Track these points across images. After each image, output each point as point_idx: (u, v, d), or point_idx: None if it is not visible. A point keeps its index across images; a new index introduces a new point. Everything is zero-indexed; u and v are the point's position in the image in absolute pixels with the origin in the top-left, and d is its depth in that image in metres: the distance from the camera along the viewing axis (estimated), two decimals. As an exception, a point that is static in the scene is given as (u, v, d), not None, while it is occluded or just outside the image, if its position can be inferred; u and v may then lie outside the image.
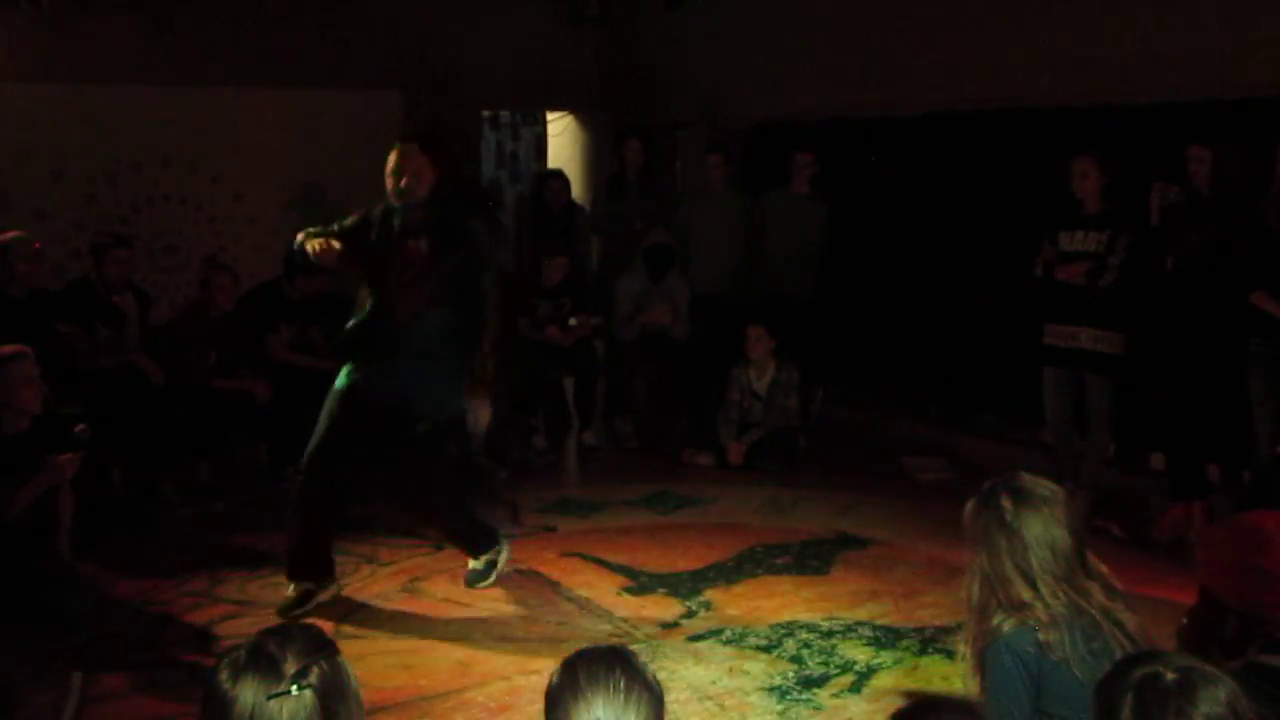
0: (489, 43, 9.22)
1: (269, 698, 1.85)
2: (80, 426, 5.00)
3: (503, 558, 5.33)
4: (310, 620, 4.72)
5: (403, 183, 4.91)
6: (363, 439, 4.94)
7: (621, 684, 1.94)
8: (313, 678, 1.88)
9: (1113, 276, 5.83)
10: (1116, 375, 6.00)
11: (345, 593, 5.22)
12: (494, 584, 5.26)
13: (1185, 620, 2.98)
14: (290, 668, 1.88)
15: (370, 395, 4.92)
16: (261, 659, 1.89)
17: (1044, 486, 2.79)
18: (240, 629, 4.77)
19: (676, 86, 9.27)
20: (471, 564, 5.34)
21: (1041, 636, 2.66)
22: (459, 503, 5.41)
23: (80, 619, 4.81)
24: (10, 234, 6.19)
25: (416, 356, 4.89)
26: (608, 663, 1.97)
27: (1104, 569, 2.80)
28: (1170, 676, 1.98)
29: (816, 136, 8.12)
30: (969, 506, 2.84)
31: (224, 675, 1.89)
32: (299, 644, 1.93)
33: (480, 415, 5.16)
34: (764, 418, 7.25)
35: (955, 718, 2.06)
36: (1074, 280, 5.93)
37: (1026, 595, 2.70)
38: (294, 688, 1.86)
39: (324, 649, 1.95)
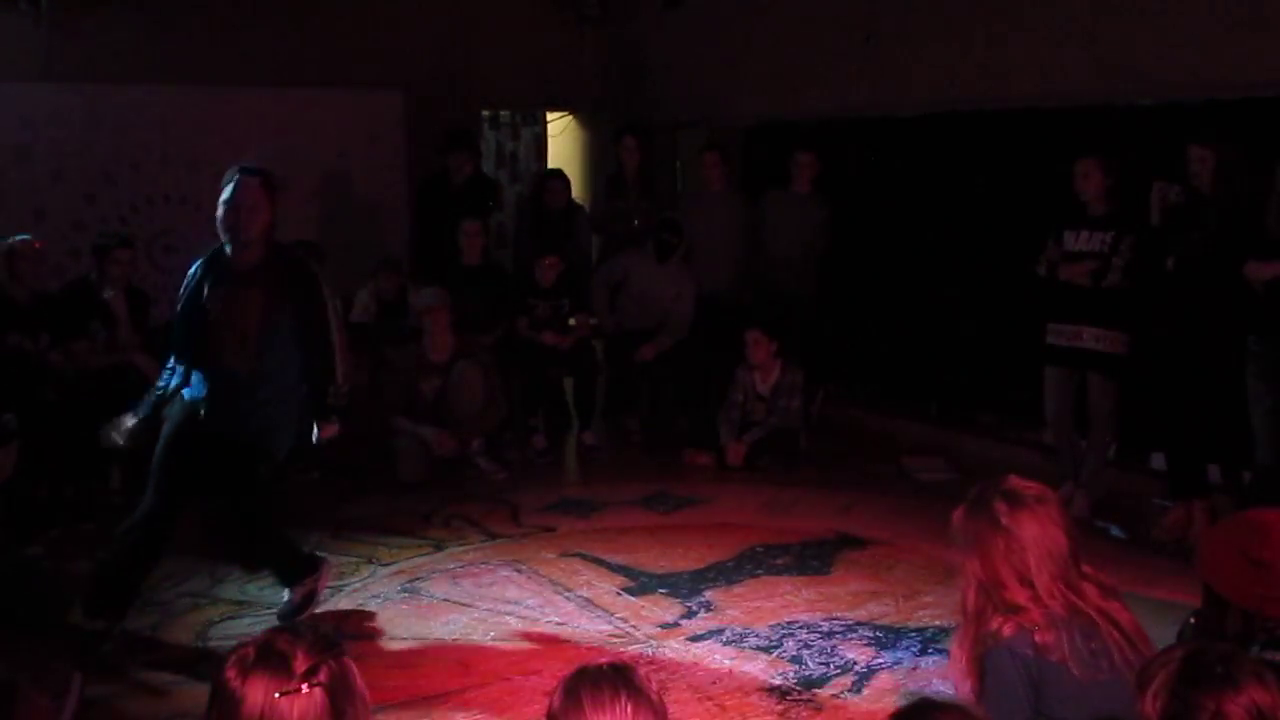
0: (489, 43, 9.22)
1: (280, 694, 1.84)
2: (8, 415, 4.77)
3: (322, 583, 4.94)
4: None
5: (238, 217, 4.49)
6: (199, 468, 4.58)
7: (629, 709, 1.92)
8: (323, 676, 1.88)
9: (1117, 277, 5.83)
10: (1119, 375, 6.01)
11: (345, 593, 5.23)
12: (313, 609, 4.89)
13: (1191, 620, 2.98)
14: (300, 665, 1.87)
15: (211, 427, 4.56)
16: (271, 656, 1.88)
17: (1034, 487, 2.78)
18: (239, 629, 4.78)
19: (676, 86, 9.26)
20: (286, 594, 4.91)
21: (1039, 638, 2.65)
22: (272, 528, 4.94)
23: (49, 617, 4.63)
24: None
25: (259, 404, 4.56)
26: (612, 686, 1.94)
27: (1093, 570, 2.79)
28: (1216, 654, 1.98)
29: (816, 136, 8.11)
30: (958, 513, 2.82)
31: (232, 672, 1.88)
32: (308, 642, 1.92)
33: (326, 433, 4.77)
34: (766, 418, 7.25)
35: (951, 718, 2.06)
36: (1078, 280, 5.93)
37: (1022, 597, 2.69)
38: (305, 685, 1.85)
39: (333, 648, 1.94)
